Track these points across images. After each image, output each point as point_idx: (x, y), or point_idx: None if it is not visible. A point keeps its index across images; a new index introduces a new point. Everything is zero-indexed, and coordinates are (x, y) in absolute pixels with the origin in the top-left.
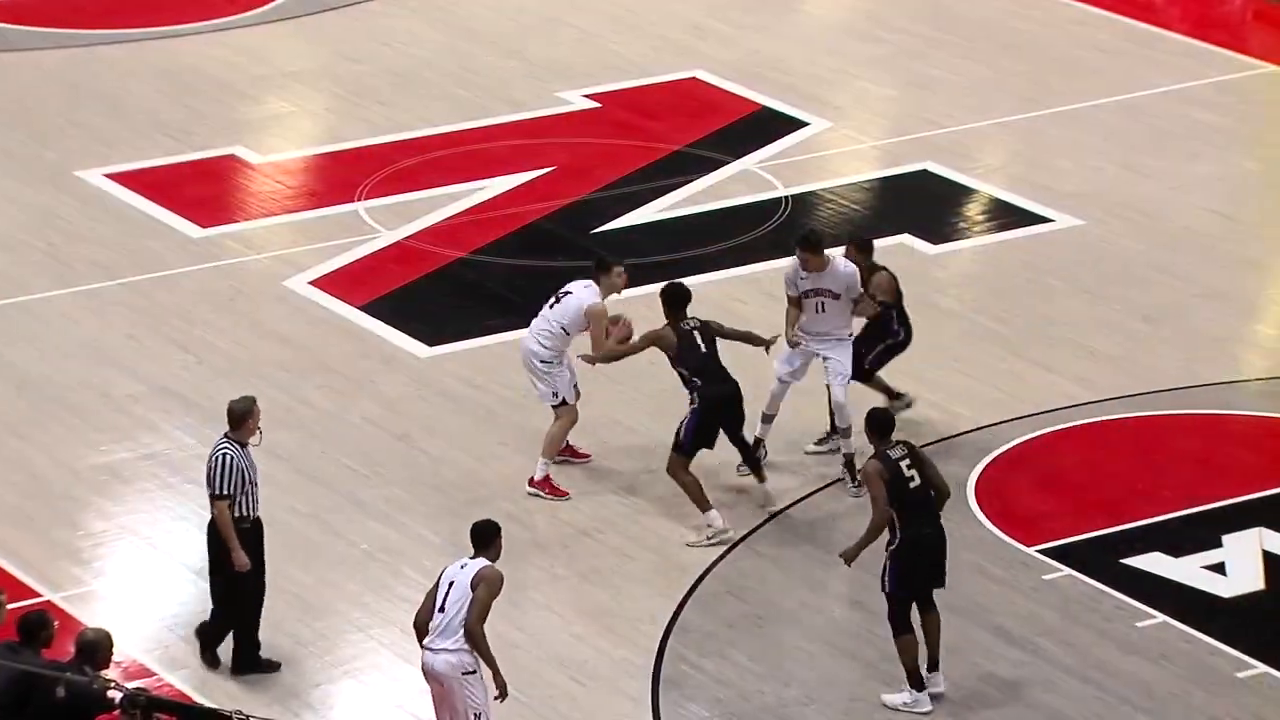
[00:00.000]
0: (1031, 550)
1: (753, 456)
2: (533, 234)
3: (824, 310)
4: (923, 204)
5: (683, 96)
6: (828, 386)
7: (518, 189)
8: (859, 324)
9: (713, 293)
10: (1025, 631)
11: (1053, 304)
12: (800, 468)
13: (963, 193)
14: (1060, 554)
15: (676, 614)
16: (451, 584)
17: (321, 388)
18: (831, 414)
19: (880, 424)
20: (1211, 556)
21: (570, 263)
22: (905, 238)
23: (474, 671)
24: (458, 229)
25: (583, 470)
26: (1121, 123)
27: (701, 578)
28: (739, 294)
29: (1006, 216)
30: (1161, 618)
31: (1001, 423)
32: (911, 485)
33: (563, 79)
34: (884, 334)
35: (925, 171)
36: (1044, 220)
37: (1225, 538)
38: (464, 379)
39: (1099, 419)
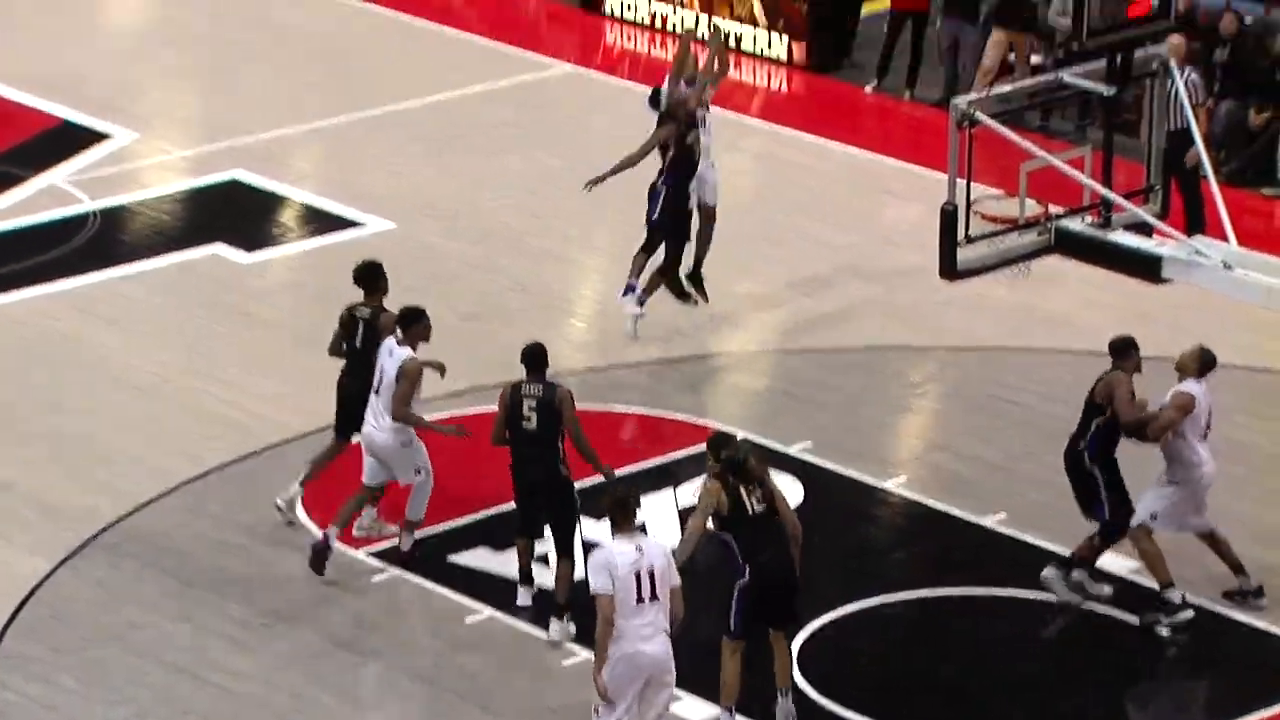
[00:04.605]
0: (360, 554)
1: None
2: None
3: None
4: (234, 213)
5: None
6: None
7: None
8: None
9: (23, 312)
10: (357, 635)
11: None
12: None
13: (274, 200)
14: (387, 556)
15: None
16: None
17: None
18: None
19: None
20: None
21: None
22: (219, 247)
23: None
24: None
25: None
26: (428, 124)
27: (23, 603)
28: (53, 311)
29: (318, 222)
30: (489, 612)
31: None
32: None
33: None
34: None
35: (235, 181)
36: (356, 225)
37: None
38: None
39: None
